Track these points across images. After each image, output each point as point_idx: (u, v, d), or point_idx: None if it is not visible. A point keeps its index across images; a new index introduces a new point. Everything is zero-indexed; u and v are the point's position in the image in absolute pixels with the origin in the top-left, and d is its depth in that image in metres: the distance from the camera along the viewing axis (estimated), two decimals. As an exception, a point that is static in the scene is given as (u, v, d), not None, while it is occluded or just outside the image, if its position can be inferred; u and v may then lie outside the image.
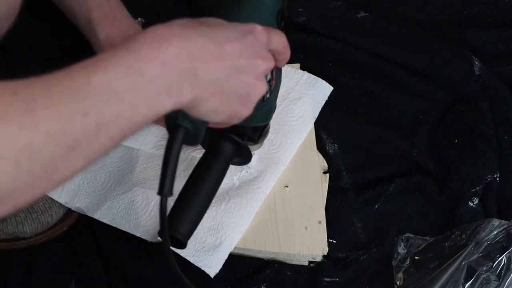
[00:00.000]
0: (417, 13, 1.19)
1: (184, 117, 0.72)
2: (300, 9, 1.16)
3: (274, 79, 0.84)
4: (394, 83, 1.11)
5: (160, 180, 0.72)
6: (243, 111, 0.73)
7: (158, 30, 0.65)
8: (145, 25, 1.13)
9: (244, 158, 0.90)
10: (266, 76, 0.74)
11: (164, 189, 0.71)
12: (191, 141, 0.76)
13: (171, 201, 0.80)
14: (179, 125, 0.73)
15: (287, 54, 0.77)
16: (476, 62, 1.12)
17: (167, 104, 0.64)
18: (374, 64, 1.12)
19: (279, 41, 0.75)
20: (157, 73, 0.63)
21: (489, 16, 1.19)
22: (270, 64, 0.73)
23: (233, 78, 0.69)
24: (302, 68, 1.08)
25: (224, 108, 0.70)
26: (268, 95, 0.84)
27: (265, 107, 0.86)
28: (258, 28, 0.72)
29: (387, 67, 1.12)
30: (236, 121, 0.74)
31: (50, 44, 1.12)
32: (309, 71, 1.08)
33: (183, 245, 0.84)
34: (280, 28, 0.80)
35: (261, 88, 0.73)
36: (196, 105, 0.68)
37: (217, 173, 0.87)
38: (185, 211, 0.84)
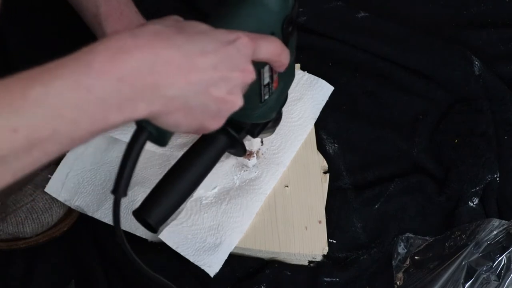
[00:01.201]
0: (417, 13, 1.19)
1: (149, 121, 0.68)
2: (300, 9, 1.16)
3: (276, 81, 0.81)
4: (394, 83, 1.11)
5: (115, 179, 0.70)
6: (211, 124, 0.69)
7: (120, 40, 0.61)
8: None
9: (238, 151, 0.88)
10: (242, 89, 0.69)
11: (118, 189, 0.69)
12: (158, 143, 0.72)
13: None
14: (143, 128, 0.69)
15: (282, 61, 0.73)
16: (476, 62, 1.12)
17: (115, 121, 0.60)
18: (374, 64, 1.12)
19: (270, 49, 0.71)
20: (108, 90, 0.59)
21: (489, 16, 1.19)
22: (248, 77, 0.68)
23: (201, 94, 0.65)
24: (302, 68, 1.08)
25: (188, 122, 0.67)
26: (266, 97, 0.82)
27: (263, 107, 0.83)
28: (243, 38, 0.67)
29: (387, 67, 1.12)
30: (204, 132, 0.70)
31: (50, 44, 1.12)
32: (309, 71, 1.08)
33: (154, 230, 0.81)
34: (287, 34, 0.76)
35: (234, 103, 0.68)
36: (155, 118, 0.65)
37: (204, 164, 0.84)
38: (161, 197, 0.81)
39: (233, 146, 0.86)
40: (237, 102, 0.69)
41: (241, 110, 0.78)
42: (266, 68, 0.78)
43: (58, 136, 0.57)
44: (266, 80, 0.79)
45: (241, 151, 0.88)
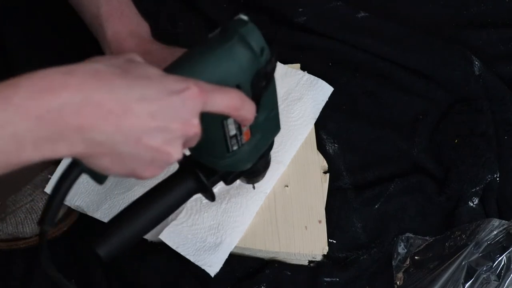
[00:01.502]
0: (417, 13, 1.19)
1: None
2: (300, 9, 1.16)
3: (247, 134, 0.75)
4: (394, 83, 1.11)
5: (43, 209, 0.68)
6: (144, 173, 0.66)
7: (48, 77, 0.58)
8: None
9: (207, 197, 0.81)
10: (186, 142, 0.66)
11: (44, 222, 0.68)
12: (94, 180, 0.70)
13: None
14: (77, 163, 0.67)
15: (243, 116, 0.69)
16: (476, 62, 1.12)
17: (31, 158, 0.58)
18: (374, 64, 1.12)
19: (225, 103, 0.66)
20: (25, 127, 0.56)
21: (489, 16, 1.19)
22: (190, 131, 0.64)
23: (132, 142, 0.62)
24: (302, 68, 1.08)
25: (117, 168, 0.64)
26: (235, 148, 0.76)
27: (233, 158, 0.77)
28: (192, 89, 0.63)
29: (387, 67, 1.12)
30: (137, 179, 0.67)
31: (50, 44, 1.12)
32: (309, 71, 1.07)
33: (104, 262, 0.77)
34: (260, 88, 0.71)
35: (170, 155, 0.64)
36: (80, 159, 0.63)
37: (168, 204, 0.79)
38: (116, 231, 0.77)
39: (202, 191, 0.80)
40: (174, 154, 0.65)
41: (208, 157, 0.76)
42: (231, 120, 0.73)
43: None
44: (232, 132, 0.74)
45: (210, 197, 0.81)
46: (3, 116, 0.56)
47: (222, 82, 0.69)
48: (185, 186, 0.78)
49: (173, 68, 0.69)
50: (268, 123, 0.78)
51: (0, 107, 0.56)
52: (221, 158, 0.76)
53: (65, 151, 0.60)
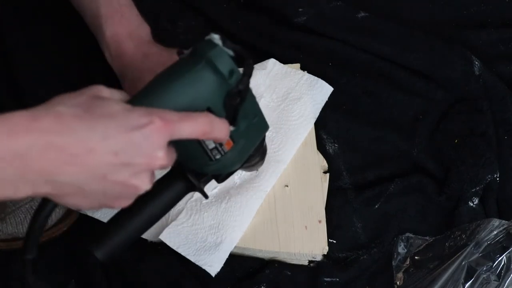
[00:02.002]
0: (417, 13, 1.19)
1: None
2: (300, 9, 1.16)
3: (229, 143, 0.75)
4: (394, 83, 1.11)
5: (24, 242, 0.70)
6: (116, 205, 0.68)
7: (16, 120, 0.60)
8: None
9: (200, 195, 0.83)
10: (153, 173, 0.67)
11: (25, 251, 0.71)
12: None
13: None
14: (48, 199, 0.68)
15: (215, 136, 0.69)
16: (476, 62, 1.12)
17: None
18: (374, 64, 1.12)
19: (194, 129, 0.67)
20: None
21: (489, 16, 1.19)
22: (155, 164, 0.65)
23: (97, 180, 0.63)
24: (302, 68, 1.08)
25: (88, 204, 0.65)
26: (218, 156, 0.75)
27: (217, 164, 0.76)
28: (156, 123, 0.64)
29: (387, 67, 1.12)
30: (110, 208, 0.69)
31: (50, 44, 1.12)
32: (309, 71, 1.08)
33: (102, 264, 0.80)
34: (234, 106, 0.71)
35: (138, 188, 0.66)
36: (48, 197, 0.64)
37: (161, 206, 0.79)
38: (112, 234, 0.78)
39: (194, 191, 0.80)
40: (142, 186, 0.66)
41: (194, 165, 0.76)
42: None
43: None
44: (211, 145, 0.74)
45: (203, 196, 0.82)
46: None
47: (191, 107, 0.69)
48: (176, 188, 0.79)
49: (139, 99, 0.69)
50: (251, 128, 0.77)
51: None
52: (206, 165, 0.76)
53: (29, 192, 0.61)
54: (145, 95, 0.69)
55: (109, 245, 0.77)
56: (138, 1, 0.99)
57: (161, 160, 0.66)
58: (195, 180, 0.78)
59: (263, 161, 0.90)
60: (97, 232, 0.78)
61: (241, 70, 0.70)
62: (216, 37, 0.70)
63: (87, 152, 0.61)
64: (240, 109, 0.72)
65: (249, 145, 0.79)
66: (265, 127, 0.81)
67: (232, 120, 0.72)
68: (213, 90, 0.70)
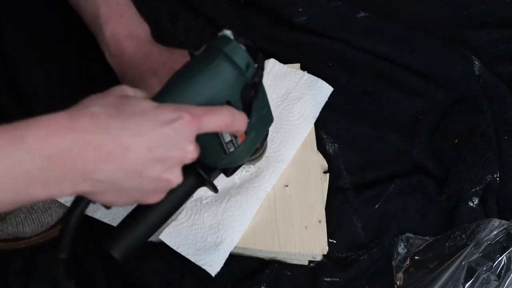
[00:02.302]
0: (417, 13, 1.19)
1: None
2: (300, 9, 1.16)
3: (242, 136, 0.78)
4: (394, 83, 1.11)
5: (58, 240, 0.72)
6: (149, 200, 0.70)
7: (56, 120, 0.62)
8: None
9: (210, 189, 0.84)
10: (181, 168, 0.69)
11: (59, 252, 0.72)
12: (103, 206, 0.72)
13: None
14: (82, 197, 0.70)
15: (235, 129, 0.72)
16: (476, 62, 1.12)
17: (39, 195, 0.62)
18: (374, 64, 1.12)
19: (218, 123, 0.70)
20: (36, 166, 0.60)
21: (489, 16, 1.19)
22: (187, 158, 0.68)
23: (133, 177, 0.65)
24: (302, 68, 1.08)
25: (121, 201, 0.68)
26: (232, 149, 0.78)
27: (231, 157, 0.80)
28: (185, 118, 0.66)
29: (387, 67, 1.12)
30: (143, 203, 0.71)
31: (50, 44, 1.12)
32: (309, 71, 1.07)
33: (118, 263, 0.80)
34: (249, 99, 0.74)
35: (171, 182, 0.69)
36: (85, 195, 0.66)
37: (173, 202, 0.81)
38: (127, 232, 0.79)
39: (204, 186, 0.83)
40: (175, 180, 0.69)
41: (207, 159, 0.78)
42: None
43: None
44: (228, 138, 0.77)
45: (213, 191, 0.84)
46: (17, 155, 0.59)
47: (212, 101, 0.71)
48: (187, 183, 0.80)
49: (163, 96, 0.71)
50: (261, 121, 0.80)
51: (14, 146, 0.59)
52: (219, 159, 0.79)
53: (69, 190, 0.63)
54: (167, 92, 0.71)
55: (125, 244, 0.78)
56: (138, 1, 0.99)
57: (191, 153, 0.68)
58: (206, 175, 0.80)
59: (263, 155, 0.93)
60: (113, 232, 0.80)
61: None
62: (228, 33, 0.73)
63: (122, 149, 0.63)
64: (255, 101, 0.75)
65: (258, 137, 0.82)
66: (272, 119, 0.84)
67: (247, 112, 0.75)
68: (232, 84, 0.72)
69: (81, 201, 0.70)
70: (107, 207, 0.72)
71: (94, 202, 0.70)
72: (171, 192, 0.79)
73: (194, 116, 0.67)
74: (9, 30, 1.13)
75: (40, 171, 0.60)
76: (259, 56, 0.74)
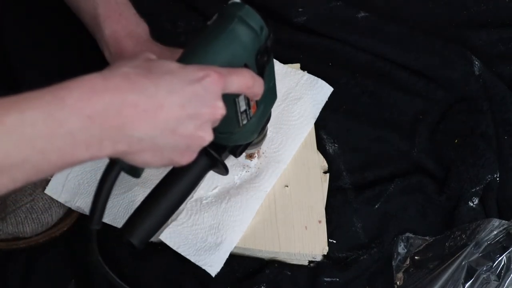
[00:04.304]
0: (417, 13, 1.19)
1: None
2: (300, 9, 1.16)
3: (254, 107, 0.81)
4: (394, 83, 1.11)
5: (90, 211, 0.73)
6: (182, 160, 0.71)
7: (92, 81, 0.63)
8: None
9: (220, 171, 0.88)
10: (213, 124, 0.71)
11: (92, 222, 0.73)
12: (131, 175, 0.74)
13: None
14: (115, 162, 0.72)
15: (254, 91, 0.75)
16: (476, 62, 1.12)
17: (81, 156, 0.63)
18: (374, 64, 1.12)
19: (240, 83, 0.72)
20: (78, 126, 0.61)
21: (489, 16, 1.19)
22: (217, 114, 0.70)
23: (168, 134, 0.67)
24: (302, 68, 1.08)
25: (156, 160, 0.69)
26: (245, 122, 0.81)
27: (243, 131, 0.83)
28: (212, 75, 0.69)
29: (387, 67, 1.12)
30: (175, 166, 0.72)
31: (50, 44, 1.12)
32: (309, 71, 1.08)
33: (137, 249, 0.83)
34: (262, 64, 0.77)
35: (203, 139, 0.70)
36: (122, 156, 0.67)
37: (187, 184, 0.85)
38: (144, 217, 0.82)
39: (215, 166, 0.86)
40: (207, 137, 0.71)
41: (220, 134, 0.81)
42: (242, 97, 0.78)
43: (27, 165, 0.60)
44: (243, 107, 0.79)
45: (224, 171, 0.87)
46: (60, 115, 0.60)
47: (232, 64, 0.74)
48: (199, 164, 0.83)
49: (185, 61, 0.73)
50: (268, 94, 0.83)
51: (57, 107, 0.60)
52: (233, 134, 0.82)
53: (109, 150, 0.64)
54: (189, 57, 0.74)
55: (142, 231, 0.81)
56: (137, 1, 0.99)
57: (221, 109, 0.70)
58: (216, 154, 0.83)
59: (263, 140, 0.95)
60: (129, 220, 0.82)
61: None
62: (238, 0, 0.76)
63: (157, 107, 0.65)
64: (267, 67, 0.78)
65: (265, 113, 0.85)
66: (276, 96, 0.87)
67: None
68: (248, 46, 0.75)
69: (113, 167, 0.72)
70: (137, 174, 0.73)
71: (124, 169, 0.72)
72: (183, 175, 0.82)
73: (220, 74, 0.69)
74: (8, 30, 1.13)
75: (82, 131, 0.61)
76: (268, 22, 0.77)
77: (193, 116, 0.68)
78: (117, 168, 0.72)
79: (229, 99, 0.76)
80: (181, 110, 0.67)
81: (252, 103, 0.80)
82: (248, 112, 0.80)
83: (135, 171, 0.74)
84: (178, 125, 0.67)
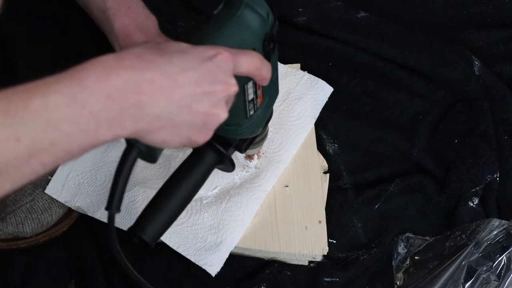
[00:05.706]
0: (417, 13, 1.19)
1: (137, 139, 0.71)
2: (300, 9, 1.16)
3: (260, 97, 0.83)
4: (394, 83, 1.11)
5: (109, 196, 0.73)
6: (199, 138, 0.72)
7: (108, 61, 0.64)
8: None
9: (227, 167, 0.89)
10: (227, 102, 0.72)
11: (112, 206, 0.72)
12: (148, 160, 0.75)
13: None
14: (133, 145, 0.73)
15: (263, 74, 0.75)
16: (476, 62, 1.12)
17: (105, 136, 0.63)
18: (374, 64, 1.12)
19: (250, 63, 0.73)
20: (100, 106, 0.62)
21: (489, 16, 1.19)
22: (231, 90, 0.71)
23: (185, 111, 0.68)
24: (302, 68, 1.08)
25: (174, 138, 0.70)
26: (252, 112, 0.83)
27: (249, 123, 0.85)
28: (224, 53, 0.70)
29: (387, 67, 1.12)
30: (192, 145, 0.73)
31: (50, 43, 1.12)
32: (309, 71, 1.08)
33: (149, 246, 0.83)
34: (268, 51, 0.79)
35: (219, 116, 0.71)
36: (141, 136, 0.68)
37: (195, 180, 0.86)
38: (155, 214, 0.83)
39: (222, 162, 0.87)
40: (222, 114, 0.71)
41: (228, 127, 0.82)
42: (250, 84, 0.79)
43: (54, 148, 0.60)
44: (251, 96, 0.81)
45: (230, 167, 0.88)
46: (82, 97, 0.61)
47: (241, 49, 0.74)
48: (207, 160, 0.85)
49: (196, 42, 0.74)
50: (273, 86, 0.85)
51: (77, 89, 0.61)
52: (240, 125, 0.83)
53: (130, 128, 0.65)
54: (199, 39, 0.75)
55: (154, 228, 0.82)
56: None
57: (234, 86, 0.71)
58: (223, 149, 0.84)
59: (264, 141, 0.96)
60: (141, 217, 0.83)
61: None
62: None
63: (173, 83, 0.66)
64: (273, 56, 0.79)
65: (269, 106, 0.87)
66: (278, 91, 0.88)
67: None
68: (256, 32, 0.77)
69: (132, 150, 0.72)
70: (154, 158, 0.74)
71: (141, 153, 0.72)
72: (191, 172, 0.83)
73: (231, 52, 0.71)
74: (9, 29, 1.12)
75: (103, 111, 0.62)
76: (274, 9, 0.78)
77: (208, 93, 0.69)
78: (135, 150, 0.73)
79: (239, 85, 0.76)
80: (196, 87, 0.68)
81: (259, 92, 0.82)
82: (255, 102, 0.82)
83: (153, 155, 0.75)
84: (194, 101, 0.68)
